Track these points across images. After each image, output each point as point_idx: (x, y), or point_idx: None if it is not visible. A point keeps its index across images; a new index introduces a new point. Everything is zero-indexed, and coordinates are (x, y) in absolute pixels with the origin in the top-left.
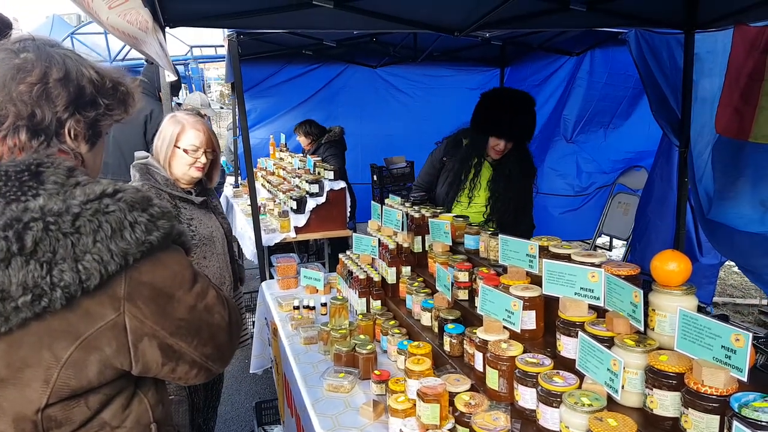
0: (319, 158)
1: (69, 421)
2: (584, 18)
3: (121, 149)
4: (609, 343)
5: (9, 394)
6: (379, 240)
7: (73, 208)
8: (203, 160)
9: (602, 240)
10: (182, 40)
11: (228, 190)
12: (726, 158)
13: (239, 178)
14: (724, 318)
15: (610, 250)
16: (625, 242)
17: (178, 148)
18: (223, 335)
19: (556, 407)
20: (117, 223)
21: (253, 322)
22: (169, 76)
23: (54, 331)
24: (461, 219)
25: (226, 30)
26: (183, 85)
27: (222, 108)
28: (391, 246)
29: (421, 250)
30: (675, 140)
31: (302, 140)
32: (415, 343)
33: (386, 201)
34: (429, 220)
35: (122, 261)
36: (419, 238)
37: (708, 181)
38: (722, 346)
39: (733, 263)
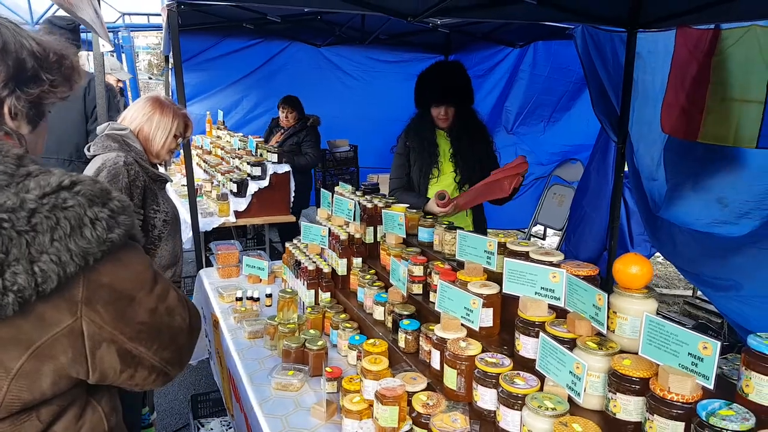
0: (294, 144)
1: None
2: (535, 11)
3: (54, 126)
4: (570, 344)
5: None
6: (330, 230)
7: (28, 203)
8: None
9: (536, 229)
10: (114, 7)
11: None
12: (677, 158)
13: None
14: None
15: (543, 239)
16: (559, 232)
17: (175, 137)
18: (183, 338)
19: (517, 410)
20: (76, 220)
21: None
22: (104, 46)
23: (2, 339)
24: (415, 211)
25: None
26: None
27: (151, 78)
28: (343, 237)
29: (372, 241)
30: (613, 136)
31: (287, 114)
32: (371, 340)
33: (336, 189)
34: (382, 210)
35: (82, 262)
36: (371, 228)
37: (660, 180)
38: (689, 354)
39: (659, 254)
